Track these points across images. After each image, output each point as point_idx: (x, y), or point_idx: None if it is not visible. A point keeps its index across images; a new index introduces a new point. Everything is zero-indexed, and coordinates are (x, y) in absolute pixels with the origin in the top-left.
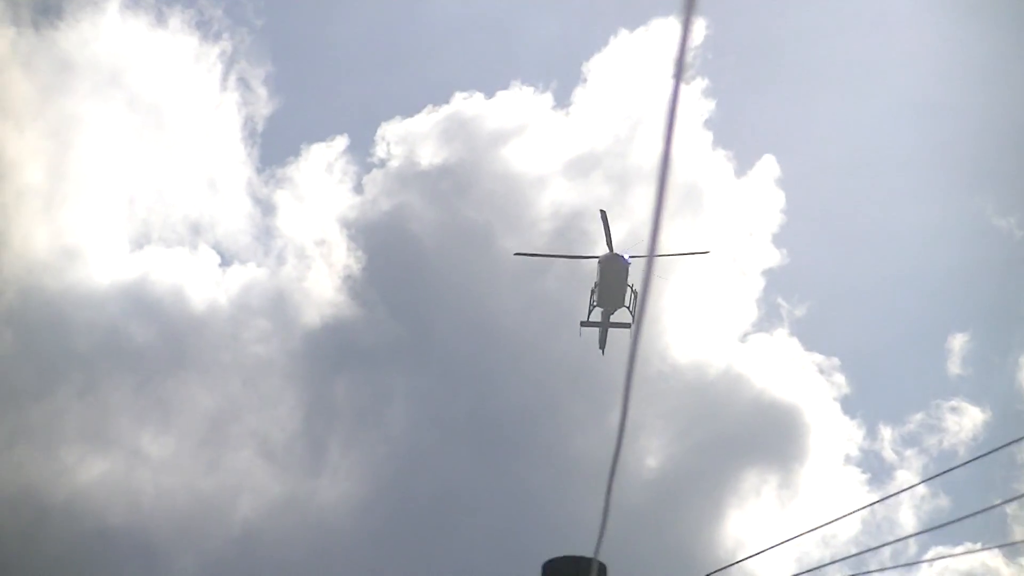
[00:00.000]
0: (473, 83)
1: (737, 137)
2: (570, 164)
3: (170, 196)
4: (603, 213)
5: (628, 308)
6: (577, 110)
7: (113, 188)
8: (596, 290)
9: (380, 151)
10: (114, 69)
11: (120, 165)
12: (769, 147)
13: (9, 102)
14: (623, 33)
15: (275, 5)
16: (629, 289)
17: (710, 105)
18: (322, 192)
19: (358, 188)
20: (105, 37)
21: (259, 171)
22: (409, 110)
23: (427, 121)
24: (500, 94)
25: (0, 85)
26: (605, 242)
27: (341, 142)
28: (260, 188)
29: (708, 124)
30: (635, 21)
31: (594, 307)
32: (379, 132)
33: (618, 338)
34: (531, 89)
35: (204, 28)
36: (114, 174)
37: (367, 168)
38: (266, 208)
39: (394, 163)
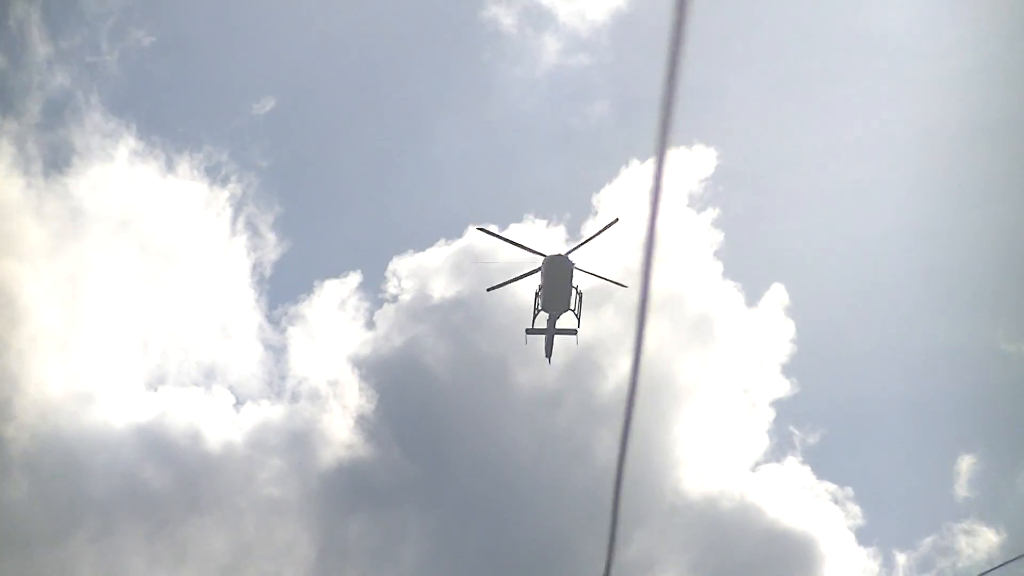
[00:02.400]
0: (486, 216)
1: (747, 267)
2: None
3: (183, 339)
4: (614, 221)
5: (573, 311)
6: (589, 245)
7: (127, 332)
8: (540, 293)
9: (391, 286)
10: (125, 215)
11: (133, 309)
12: (778, 276)
13: (22, 248)
14: (634, 163)
15: (280, 146)
16: (574, 291)
17: (719, 236)
18: (334, 328)
19: (370, 323)
20: (116, 184)
21: (271, 309)
22: (421, 244)
23: (439, 255)
24: (513, 227)
25: (13, 231)
26: (579, 244)
27: (354, 278)
28: (271, 332)
29: (718, 255)
30: (646, 152)
31: (538, 311)
32: (390, 267)
33: (564, 348)
34: (544, 222)
35: (213, 173)
36: (127, 318)
37: (379, 303)
38: (279, 348)
39: (405, 297)
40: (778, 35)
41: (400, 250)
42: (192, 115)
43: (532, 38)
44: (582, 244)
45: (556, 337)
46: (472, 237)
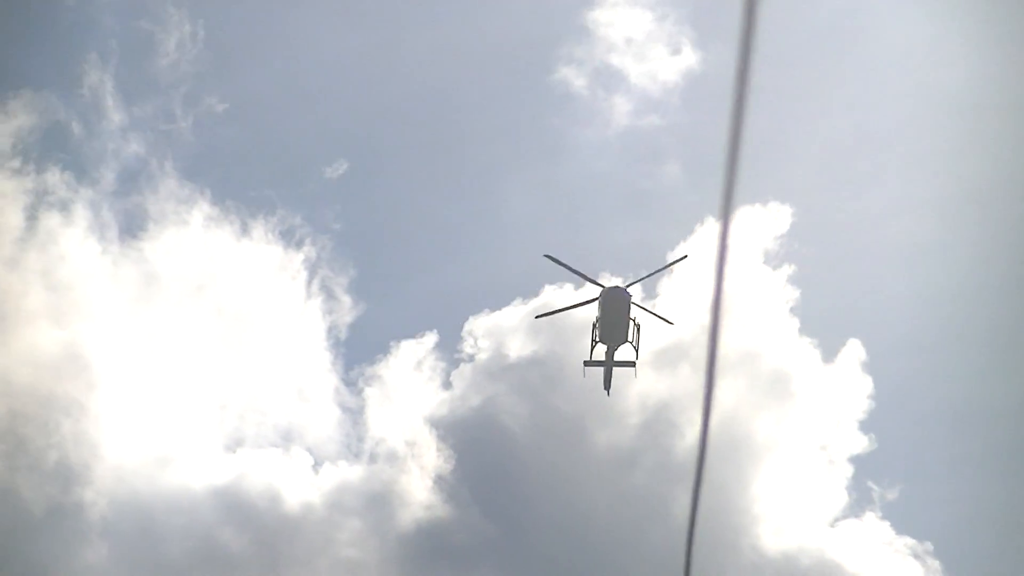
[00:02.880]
0: (562, 275)
1: (823, 322)
2: (658, 355)
3: (261, 402)
4: (683, 258)
5: (632, 343)
6: (664, 301)
7: (204, 395)
8: (597, 326)
9: (468, 346)
10: (201, 279)
11: (210, 372)
12: (854, 331)
13: (99, 313)
14: (709, 221)
15: (353, 209)
16: (631, 323)
17: (796, 293)
18: (411, 389)
19: (446, 383)
20: (191, 249)
21: (348, 371)
22: (497, 303)
23: (515, 314)
24: (589, 286)
25: (89, 297)
26: (641, 278)
27: (430, 338)
28: (348, 394)
29: (794, 311)
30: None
31: (596, 344)
32: (466, 327)
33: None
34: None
35: (287, 237)
36: (205, 381)
37: (455, 363)
38: (356, 409)
39: (482, 357)
40: (853, 90)
41: (476, 310)
42: (265, 179)
43: (603, 99)
44: (645, 277)
45: (617, 371)
46: (548, 295)
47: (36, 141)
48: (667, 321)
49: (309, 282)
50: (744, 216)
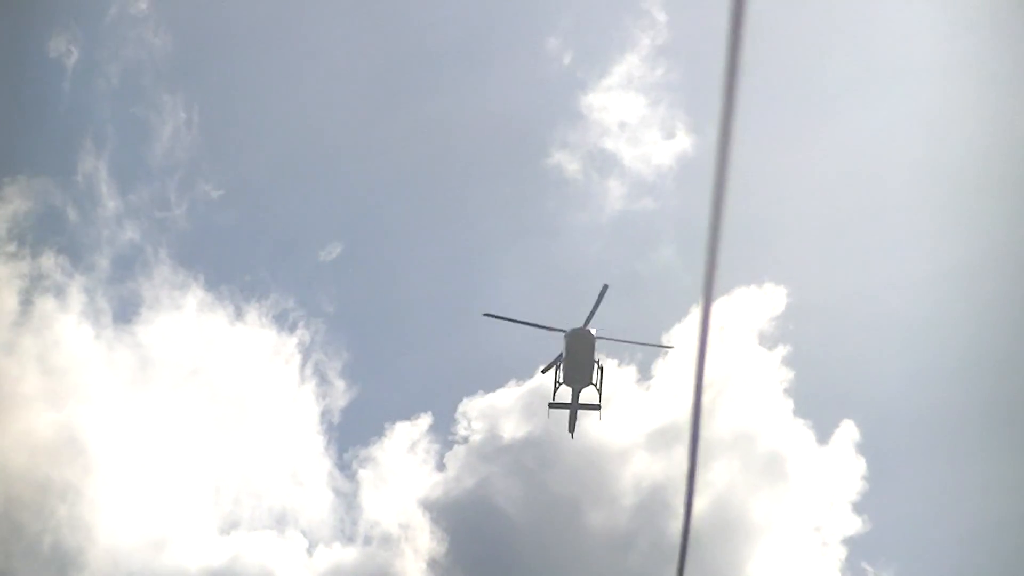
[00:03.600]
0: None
1: (817, 403)
2: (652, 437)
3: (255, 485)
4: (604, 288)
5: (595, 386)
6: (658, 382)
7: (198, 478)
8: (561, 366)
9: (462, 427)
10: (195, 363)
11: (204, 456)
12: (848, 412)
13: (92, 397)
14: (712, 301)
15: (346, 291)
16: (596, 364)
17: (790, 374)
18: (405, 471)
19: (440, 465)
20: (184, 333)
21: (342, 452)
22: (491, 385)
23: (509, 395)
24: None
25: (83, 381)
26: (587, 316)
27: (425, 420)
28: (341, 478)
29: (789, 392)
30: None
31: (559, 385)
32: (460, 408)
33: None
34: (615, 361)
35: (280, 321)
36: (199, 465)
37: (449, 445)
38: (350, 491)
39: (476, 438)
40: (848, 165)
41: (470, 391)
42: (260, 263)
43: (597, 183)
44: (591, 315)
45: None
46: (542, 378)
47: (31, 226)
48: (665, 347)
49: (303, 366)
50: (739, 297)
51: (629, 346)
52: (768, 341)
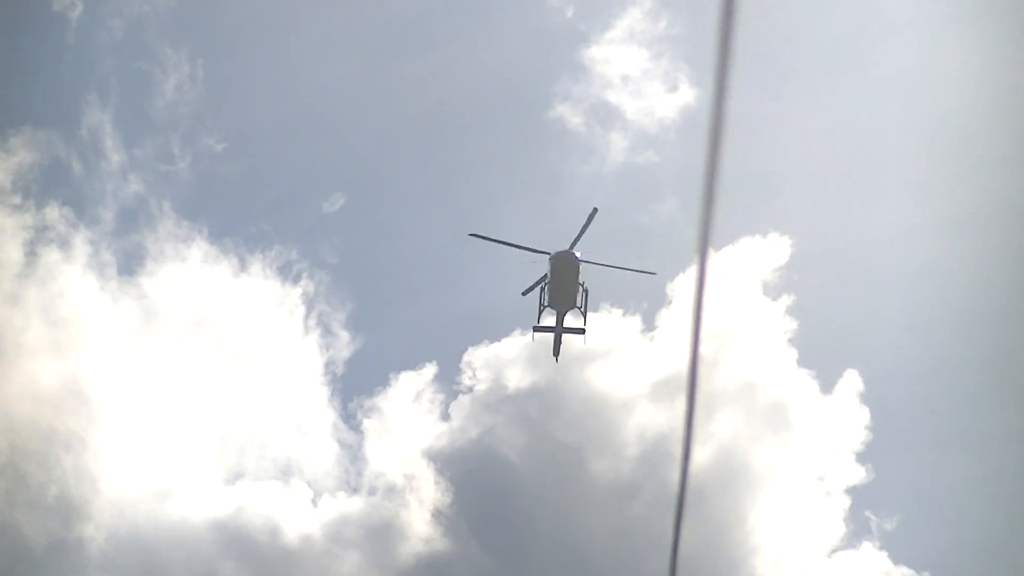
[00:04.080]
0: None
1: (821, 353)
2: (655, 387)
3: (260, 436)
4: (593, 211)
5: (579, 308)
6: (662, 333)
7: (203, 429)
8: (546, 289)
9: (466, 377)
10: (199, 315)
11: (209, 407)
12: (852, 361)
13: (97, 348)
14: (709, 252)
15: (349, 242)
16: (580, 288)
17: (794, 324)
18: (410, 421)
19: (445, 415)
20: (189, 285)
21: (346, 402)
22: (497, 334)
23: (514, 345)
24: (591, 316)
25: (88, 332)
26: (573, 239)
27: (430, 370)
28: (346, 428)
29: (793, 342)
30: (722, 240)
31: (544, 308)
32: (465, 358)
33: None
34: (620, 311)
35: (284, 272)
36: (204, 416)
37: (453, 395)
38: (355, 441)
39: (480, 388)
40: (850, 115)
41: (475, 341)
42: (263, 215)
43: (600, 136)
44: (578, 238)
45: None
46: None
47: (36, 178)
48: (648, 272)
49: (307, 316)
50: (744, 247)
51: (634, 295)
52: (772, 291)
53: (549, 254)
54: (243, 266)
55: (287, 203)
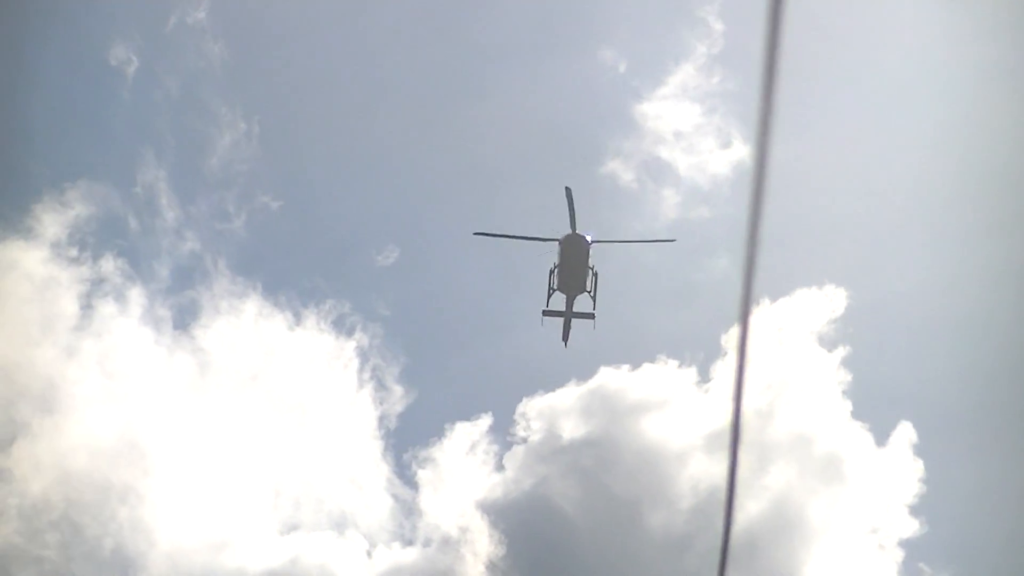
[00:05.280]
0: (617, 357)
1: (875, 405)
2: (710, 438)
3: (315, 488)
4: (568, 191)
5: (589, 293)
6: (717, 384)
7: (259, 481)
8: (556, 273)
9: (521, 428)
10: (254, 369)
11: (264, 459)
12: (906, 413)
13: (153, 402)
14: (764, 302)
15: (403, 294)
16: (590, 271)
17: (848, 376)
18: (464, 472)
19: (499, 466)
20: (243, 339)
21: (401, 453)
22: (552, 385)
23: (570, 395)
24: (646, 366)
25: (143, 386)
26: (569, 222)
27: (485, 420)
28: (401, 478)
29: (847, 394)
30: (778, 291)
31: (553, 291)
32: (520, 408)
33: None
34: (676, 362)
35: (338, 326)
36: (259, 468)
37: (507, 446)
38: (410, 492)
39: (535, 439)
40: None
41: (530, 391)
42: (318, 269)
43: (652, 192)
44: (572, 219)
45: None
46: (603, 376)
47: (93, 231)
48: (666, 240)
49: (360, 369)
50: (800, 299)
51: (686, 345)
52: (828, 343)
53: (558, 240)
54: (298, 319)
55: (341, 256)
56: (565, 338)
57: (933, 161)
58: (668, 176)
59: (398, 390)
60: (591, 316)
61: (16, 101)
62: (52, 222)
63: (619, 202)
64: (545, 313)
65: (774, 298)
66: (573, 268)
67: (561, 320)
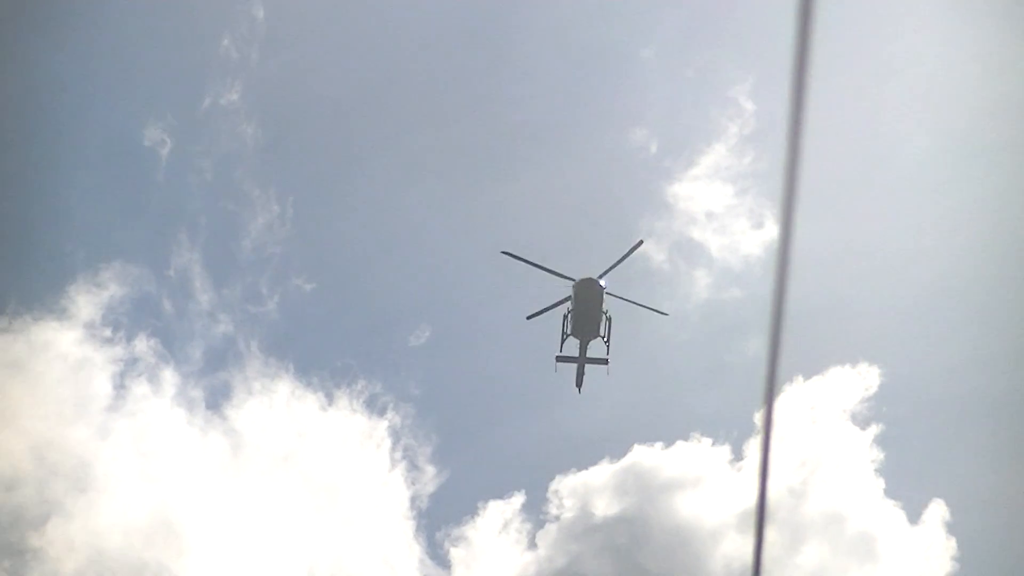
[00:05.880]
0: (650, 434)
1: (908, 483)
2: (743, 517)
3: (347, 568)
4: (639, 243)
5: (603, 338)
6: (751, 463)
7: (291, 560)
8: (569, 317)
9: (553, 506)
10: (287, 449)
11: (297, 538)
12: (939, 491)
13: (185, 480)
14: (798, 380)
15: (434, 373)
16: (604, 316)
17: (881, 454)
18: (497, 550)
19: (532, 544)
20: (276, 420)
21: (433, 532)
22: (584, 463)
23: (602, 473)
24: (680, 443)
25: (175, 466)
26: (609, 267)
27: (518, 499)
28: (433, 560)
29: (880, 472)
30: (811, 369)
31: (567, 336)
32: (552, 486)
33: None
34: (709, 440)
35: (370, 406)
36: (291, 547)
37: (540, 524)
38: (442, 574)
39: (567, 516)
40: (930, 241)
41: (563, 469)
42: (350, 350)
43: (684, 273)
44: (611, 268)
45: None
46: (636, 454)
47: (126, 311)
48: (659, 312)
49: (392, 449)
50: (833, 377)
51: (720, 423)
52: (861, 421)
53: (573, 282)
54: (330, 400)
55: (373, 337)
56: (579, 384)
57: (966, 236)
58: (700, 257)
59: (430, 470)
60: (605, 362)
61: (51, 182)
62: (86, 303)
63: (651, 283)
64: (559, 359)
65: (807, 376)
66: (587, 312)
67: (575, 366)
